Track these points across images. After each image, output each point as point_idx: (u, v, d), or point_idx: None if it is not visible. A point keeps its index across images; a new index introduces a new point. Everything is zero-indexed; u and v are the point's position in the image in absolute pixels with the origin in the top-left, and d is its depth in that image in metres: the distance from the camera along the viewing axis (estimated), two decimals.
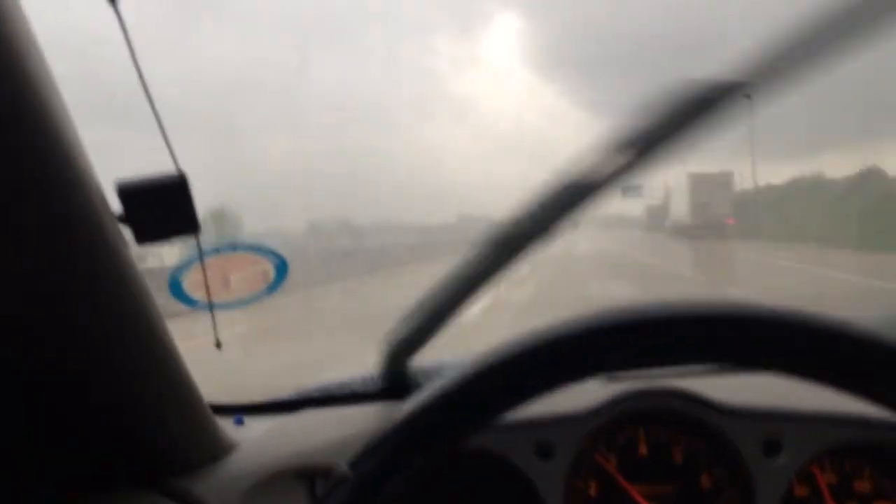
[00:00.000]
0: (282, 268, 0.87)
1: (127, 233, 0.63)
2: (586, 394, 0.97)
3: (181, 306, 0.82)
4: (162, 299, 0.71)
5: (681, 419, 0.96)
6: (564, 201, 0.70)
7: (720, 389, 0.96)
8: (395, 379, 1.03)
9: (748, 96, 0.71)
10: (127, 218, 0.63)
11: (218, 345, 0.83)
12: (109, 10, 0.53)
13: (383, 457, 0.48)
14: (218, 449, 0.86)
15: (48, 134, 0.47)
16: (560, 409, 0.95)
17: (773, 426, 0.92)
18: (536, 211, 0.71)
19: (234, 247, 0.85)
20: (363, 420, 1.00)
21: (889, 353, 0.44)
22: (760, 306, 0.46)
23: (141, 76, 0.58)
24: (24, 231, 0.49)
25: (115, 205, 0.62)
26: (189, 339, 0.76)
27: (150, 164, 0.66)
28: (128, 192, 0.63)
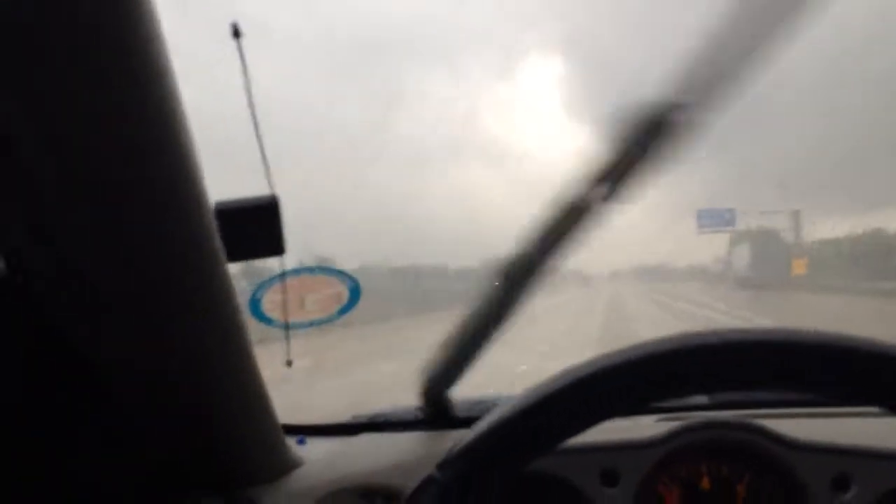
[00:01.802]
0: (355, 291, 0.91)
1: None
2: (650, 424, 0.97)
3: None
4: None
5: (745, 453, 0.95)
6: (561, 229, 0.75)
7: (783, 425, 0.95)
8: (437, 409, 1.06)
9: (694, 113, 0.75)
10: (221, 237, 0.68)
11: (289, 363, 0.87)
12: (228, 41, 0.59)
13: (467, 464, 0.51)
14: (285, 465, 0.89)
15: (179, 161, 0.51)
16: (625, 436, 0.95)
17: (842, 461, 0.90)
18: (538, 240, 0.76)
19: (312, 269, 0.89)
20: (416, 446, 1.02)
21: None
22: (849, 338, 0.47)
23: (252, 106, 0.63)
24: (141, 246, 0.53)
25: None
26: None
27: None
28: (225, 213, 0.68)
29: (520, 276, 0.79)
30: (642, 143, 0.71)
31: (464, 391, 1.04)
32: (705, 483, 0.97)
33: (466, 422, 1.01)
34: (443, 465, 0.51)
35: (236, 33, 0.58)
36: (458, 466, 0.51)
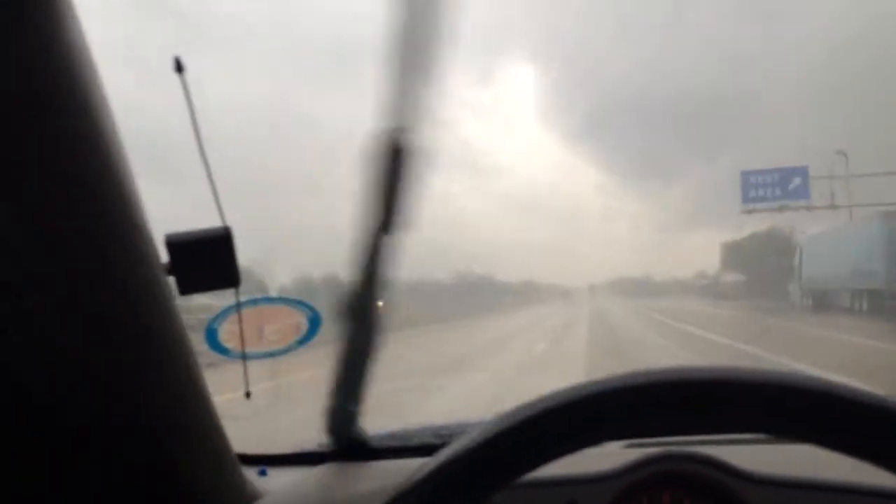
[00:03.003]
0: (315, 321, 0.89)
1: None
2: (612, 455, 0.97)
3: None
4: None
5: (703, 485, 0.95)
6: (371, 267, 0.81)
7: (742, 457, 0.96)
8: (347, 442, 1.07)
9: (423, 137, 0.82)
10: (172, 269, 0.67)
11: (248, 395, 0.85)
12: (169, 71, 0.58)
13: (425, 495, 0.49)
14: (242, 498, 0.86)
15: (114, 188, 0.50)
16: (586, 469, 0.94)
17: (796, 494, 0.91)
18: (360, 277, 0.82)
19: (270, 299, 0.88)
20: (382, 476, 1.00)
21: None
22: (791, 375, 0.47)
23: (199, 139, 0.62)
24: (80, 275, 0.52)
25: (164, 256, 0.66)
26: (216, 394, 0.79)
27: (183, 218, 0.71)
28: (176, 245, 0.67)
29: (360, 311, 0.87)
30: (391, 172, 0.79)
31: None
32: None
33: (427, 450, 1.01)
34: (400, 497, 0.50)
35: (179, 68, 0.56)
36: (416, 497, 0.50)
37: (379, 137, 0.81)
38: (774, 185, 19.29)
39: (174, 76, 0.58)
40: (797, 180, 19.08)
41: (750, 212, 19.88)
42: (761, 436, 1.09)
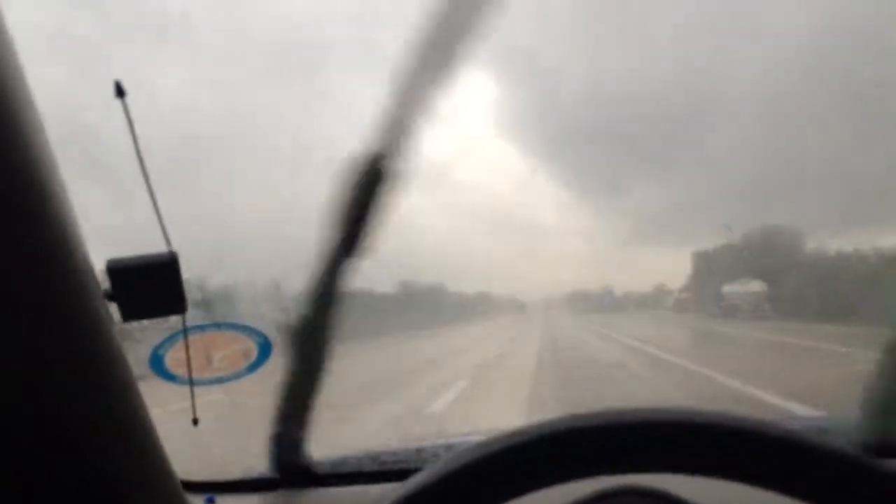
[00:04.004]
0: (265, 347, 0.88)
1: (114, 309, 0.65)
2: (558, 491, 0.97)
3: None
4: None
5: None
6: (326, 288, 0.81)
7: (688, 486, 0.96)
8: (295, 468, 1.06)
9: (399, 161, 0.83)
10: (115, 296, 0.65)
11: (195, 422, 0.83)
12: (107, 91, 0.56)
13: None
14: None
15: (43, 209, 0.48)
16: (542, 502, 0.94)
17: None
18: (314, 301, 0.82)
19: (218, 325, 0.86)
20: (346, 500, 0.99)
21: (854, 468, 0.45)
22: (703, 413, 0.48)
23: (142, 162, 0.60)
24: (7, 300, 0.50)
25: (105, 283, 0.64)
26: (158, 405, 0.76)
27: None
28: (117, 271, 0.65)
29: (312, 334, 0.88)
30: (363, 195, 0.80)
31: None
32: None
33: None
34: None
35: (120, 92, 0.55)
36: None
37: (355, 161, 0.80)
38: None
39: (109, 74, 0.56)
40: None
41: None
42: None
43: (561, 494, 0.97)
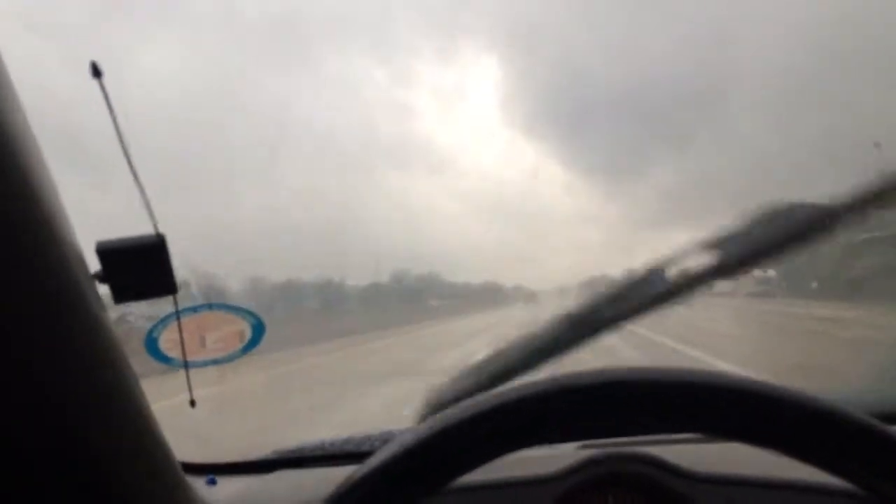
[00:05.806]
0: (258, 328, 0.88)
1: (105, 292, 0.65)
2: (555, 457, 0.98)
3: (153, 367, 0.83)
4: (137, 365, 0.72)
5: (646, 486, 0.97)
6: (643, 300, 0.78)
7: (687, 456, 0.97)
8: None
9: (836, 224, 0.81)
10: (106, 278, 0.65)
11: (192, 403, 0.83)
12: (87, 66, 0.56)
13: (357, 501, 0.49)
14: None
15: (26, 191, 0.48)
16: (529, 472, 0.95)
17: (738, 491, 0.93)
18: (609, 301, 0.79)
19: (210, 306, 0.86)
20: (334, 482, 1.00)
21: (858, 430, 0.45)
22: (724, 376, 0.48)
23: (123, 144, 0.60)
24: None
25: (95, 265, 0.64)
26: (160, 399, 0.76)
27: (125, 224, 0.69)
28: (107, 253, 0.65)
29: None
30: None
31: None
32: None
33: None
34: (330, 501, 0.49)
35: (96, 72, 0.55)
36: (347, 502, 0.49)
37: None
38: None
39: (94, 55, 0.56)
40: None
41: None
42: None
43: (553, 460, 0.98)
